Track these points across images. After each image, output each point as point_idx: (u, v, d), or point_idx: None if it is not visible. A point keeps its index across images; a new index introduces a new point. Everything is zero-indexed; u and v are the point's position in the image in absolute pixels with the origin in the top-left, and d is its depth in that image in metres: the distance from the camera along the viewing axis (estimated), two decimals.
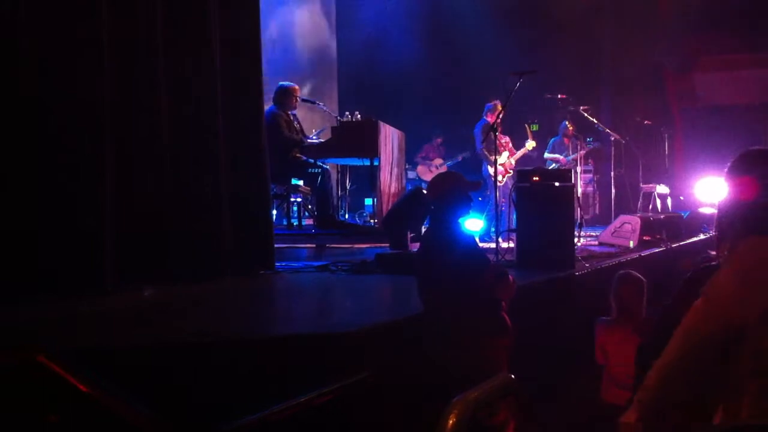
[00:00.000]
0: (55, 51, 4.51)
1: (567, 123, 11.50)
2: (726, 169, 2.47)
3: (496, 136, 7.67)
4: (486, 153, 9.87)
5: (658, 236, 8.65)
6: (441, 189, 4.24)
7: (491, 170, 9.72)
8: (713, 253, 3.66)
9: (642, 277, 4.79)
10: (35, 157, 4.40)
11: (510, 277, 4.11)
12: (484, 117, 9.99)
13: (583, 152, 11.66)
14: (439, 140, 13.10)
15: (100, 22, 4.68)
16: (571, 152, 11.48)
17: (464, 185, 4.25)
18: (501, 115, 8.33)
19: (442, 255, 4.00)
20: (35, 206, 4.37)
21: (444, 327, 3.80)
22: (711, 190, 10.05)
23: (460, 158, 12.78)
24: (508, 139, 10.43)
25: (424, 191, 7.01)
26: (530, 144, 10.22)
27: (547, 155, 11.73)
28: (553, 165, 11.33)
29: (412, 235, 6.68)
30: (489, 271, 4.08)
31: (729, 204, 2.41)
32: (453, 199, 4.16)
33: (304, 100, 9.22)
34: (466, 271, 3.89)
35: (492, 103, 9.86)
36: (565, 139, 11.67)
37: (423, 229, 6.45)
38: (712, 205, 9.37)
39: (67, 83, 4.55)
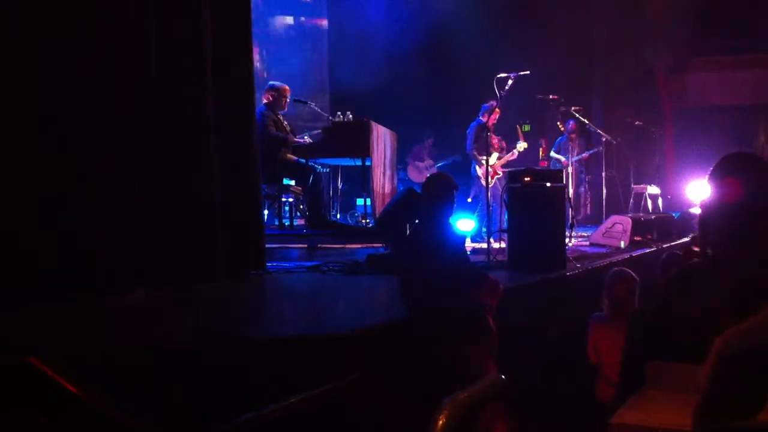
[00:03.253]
0: (49, 52, 4.50)
1: (571, 122, 11.56)
2: (709, 173, 2.50)
3: (488, 136, 7.67)
4: (476, 153, 9.87)
5: (649, 236, 8.67)
6: (432, 189, 4.28)
7: (479, 171, 9.74)
8: (696, 248, 3.67)
9: (635, 275, 4.82)
10: (29, 159, 4.38)
11: (492, 278, 4.12)
12: (480, 117, 9.96)
13: (586, 155, 11.75)
14: (431, 141, 13.10)
15: (89, 20, 4.66)
16: (576, 153, 11.53)
17: (453, 186, 4.30)
18: (497, 117, 8.36)
19: (429, 256, 4.00)
20: (29, 208, 4.34)
21: (426, 328, 3.79)
22: (703, 192, 10.02)
23: (450, 161, 12.78)
24: (499, 138, 10.44)
25: (417, 192, 7.03)
26: (521, 145, 10.22)
27: (552, 154, 11.79)
28: (558, 164, 11.43)
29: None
30: (472, 274, 4.10)
31: (713, 205, 2.44)
32: (443, 200, 4.18)
33: (295, 101, 9.21)
34: (450, 273, 3.89)
35: (489, 104, 9.84)
36: (571, 135, 11.69)
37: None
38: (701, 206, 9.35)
39: (61, 84, 4.53)
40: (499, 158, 10.11)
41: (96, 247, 4.60)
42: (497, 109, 9.07)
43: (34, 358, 2.12)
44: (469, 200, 10.30)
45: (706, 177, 2.60)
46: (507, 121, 10.49)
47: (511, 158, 10.17)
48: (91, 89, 4.65)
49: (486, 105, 9.85)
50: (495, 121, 9.17)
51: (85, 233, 4.57)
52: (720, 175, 2.52)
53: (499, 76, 7.56)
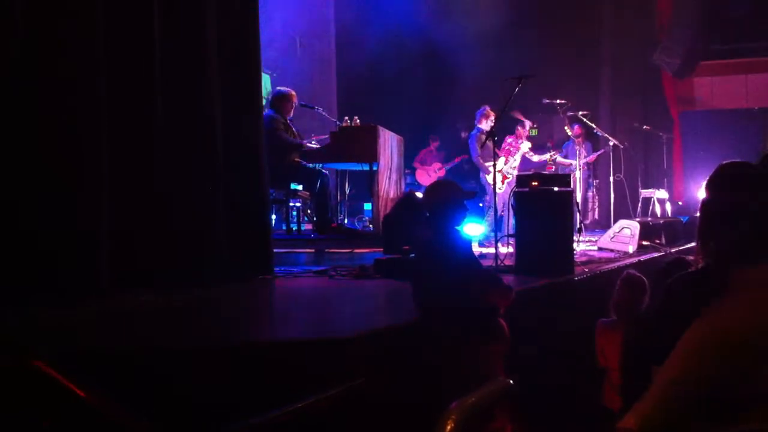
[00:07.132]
0: (50, 51, 4.51)
1: (577, 126, 11.57)
2: (706, 182, 2.51)
3: (494, 142, 7.66)
4: (481, 161, 9.86)
5: (657, 241, 8.65)
6: (436, 197, 4.26)
7: (488, 178, 9.72)
8: (690, 258, 3.65)
9: (644, 279, 4.80)
10: (33, 159, 4.39)
11: (505, 283, 4.11)
12: (477, 125, 9.93)
13: (594, 156, 11.74)
14: (436, 143, 13.08)
15: (95, 21, 4.67)
16: (583, 157, 11.52)
17: (459, 194, 4.26)
18: (495, 121, 8.33)
19: (438, 262, 4.00)
20: (30, 208, 4.35)
21: (439, 333, 3.79)
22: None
23: (457, 160, 12.77)
24: (510, 142, 10.42)
25: (417, 194, 7.02)
26: (525, 145, 10.21)
27: (559, 159, 11.79)
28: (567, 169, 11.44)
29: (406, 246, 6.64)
30: (483, 277, 4.09)
31: (711, 215, 2.44)
32: (448, 208, 4.17)
33: (302, 105, 9.21)
34: (461, 278, 3.89)
35: (483, 109, 9.80)
36: (578, 139, 11.70)
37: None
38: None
39: (62, 84, 4.54)
40: (506, 162, 10.10)
41: (99, 249, 4.60)
42: (491, 112, 9.08)
43: (38, 361, 2.11)
44: (481, 205, 10.30)
45: (704, 186, 2.61)
46: (513, 125, 10.48)
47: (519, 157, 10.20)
48: (93, 88, 4.66)
49: (479, 111, 9.83)
50: (493, 124, 9.14)
51: (88, 234, 4.57)
52: (718, 187, 2.53)
53: (507, 78, 7.53)
